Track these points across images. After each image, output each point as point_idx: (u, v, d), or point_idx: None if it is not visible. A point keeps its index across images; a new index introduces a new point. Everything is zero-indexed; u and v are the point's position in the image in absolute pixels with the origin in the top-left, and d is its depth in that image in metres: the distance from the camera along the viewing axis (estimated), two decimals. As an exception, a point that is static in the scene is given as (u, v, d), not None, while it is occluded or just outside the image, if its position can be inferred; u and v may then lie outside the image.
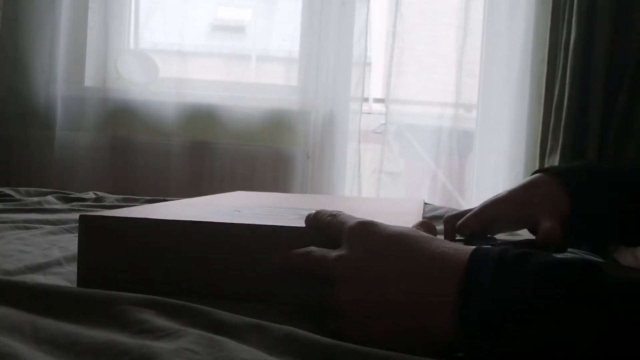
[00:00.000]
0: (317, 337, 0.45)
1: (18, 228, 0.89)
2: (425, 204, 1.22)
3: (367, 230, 0.48)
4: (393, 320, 0.44)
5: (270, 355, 0.42)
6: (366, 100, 2.21)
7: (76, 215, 1.04)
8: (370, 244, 0.47)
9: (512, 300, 0.39)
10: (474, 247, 0.44)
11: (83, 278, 0.58)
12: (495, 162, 2.12)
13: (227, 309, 0.50)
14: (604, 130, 1.89)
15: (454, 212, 0.85)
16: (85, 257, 0.58)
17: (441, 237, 0.60)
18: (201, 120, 2.19)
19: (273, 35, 2.27)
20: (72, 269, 0.67)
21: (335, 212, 0.53)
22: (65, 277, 0.63)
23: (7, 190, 1.28)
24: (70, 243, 0.81)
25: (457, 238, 0.80)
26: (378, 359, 0.42)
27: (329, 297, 0.47)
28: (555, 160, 1.92)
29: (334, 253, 0.48)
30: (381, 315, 0.44)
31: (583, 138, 1.90)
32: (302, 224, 0.56)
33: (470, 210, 0.81)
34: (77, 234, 0.78)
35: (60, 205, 1.17)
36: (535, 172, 0.80)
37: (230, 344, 0.43)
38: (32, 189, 1.34)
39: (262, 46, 2.28)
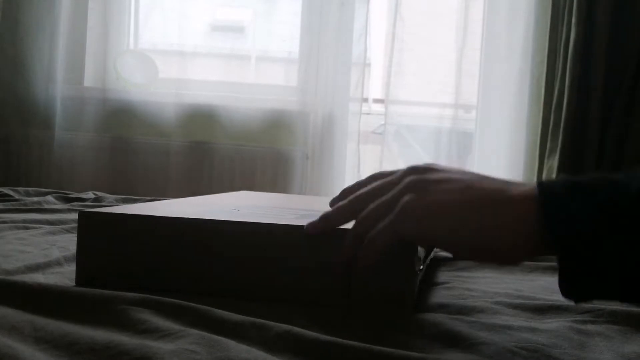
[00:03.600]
0: (317, 335, 0.45)
1: (17, 228, 0.89)
2: None
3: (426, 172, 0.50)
4: (479, 216, 0.45)
5: (270, 354, 0.42)
6: (366, 100, 2.21)
7: (76, 216, 1.04)
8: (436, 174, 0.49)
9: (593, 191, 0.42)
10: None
11: (81, 274, 0.58)
12: (495, 163, 2.12)
13: (227, 307, 0.50)
14: (604, 131, 1.89)
15: None
16: (84, 253, 0.58)
17: None
18: (200, 121, 2.19)
19: (273, 36, 2.28)
20: (71, 268, 0.67)
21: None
22: (64, 277, 0.63)
23: (6, 190, 1.28)
24: (69, 243, 0.81)
25: None
26: (379, 355, 0.42)
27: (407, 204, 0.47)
28: (555, 161, 1.92)
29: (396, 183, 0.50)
30: (465, 211, 0.46)
31: (583, 139, 1.90)
32: (300, 222, 0.56)
33: None
34: (76, 234, 0.79)
35: (59, 205, 1.17)
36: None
37: (230, 343, 0.43)
38: (31, 189, 1.33)
39: (262, 47, 2.28)
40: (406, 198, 0.48)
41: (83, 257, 0.58)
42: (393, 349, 0.43)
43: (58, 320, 0.47)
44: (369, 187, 0.53)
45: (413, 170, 0.51)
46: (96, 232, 0.58)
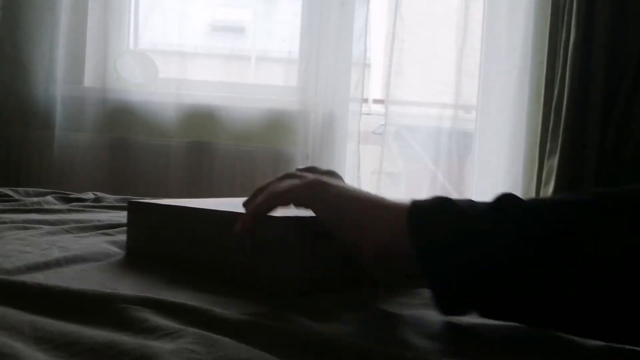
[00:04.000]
0: (317, 332, 0.45)
1: (17, 228, 0.89)
2: None
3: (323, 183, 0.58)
4: (364, 208, 0.55)
5: (270, 353, 0.42)
6: (366, 101, 2.22)
7: (75, 216, 1.04)
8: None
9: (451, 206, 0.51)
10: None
11: (130, 248, 0.76)
12: (495, 163, 2.12)
13: (226, 307, 0.50)
14: (604, 131, 1.89)
15: None
16: (132, 232, 0.77)
17: None
18: (200, 121, 2.19)
19: (273, 36, 2.28)
20: (71, 269, 0.67)
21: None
22: (64, 277, 0.63)
23: (6, 191, 1.28)
24: (70, 243, 0.81)
25: None
26: (378, 354, 0.42)
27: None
28: (555, 161, 1.93)
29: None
30: (353, 200, 0.55)
31: (582, 139, 1.90)
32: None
33: None
34: (76, 234, 0.88)
35: (59, 206, 1.17)
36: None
37: (230, 343, 0.43)
38: (31, 189, 1.33)
39: (262, 47, 2.28)
40: (310, 177, 0.58)
41: (131, 234, 0.77)
42: (391, 349, 0.43)
43: (58, 320, 0.47)
44: (274, 180, 0.62)
45: (315, 175, 0.60)
46: (139, 215, 0.76)
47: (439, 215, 0.51)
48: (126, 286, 0.59)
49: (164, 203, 0.74)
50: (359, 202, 0.55)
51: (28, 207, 1.12)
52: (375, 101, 2.29)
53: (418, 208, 0.52)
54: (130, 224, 0.77)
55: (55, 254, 0.73)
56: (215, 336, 0.43)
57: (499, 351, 0.46)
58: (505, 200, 0.50)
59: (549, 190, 1.94)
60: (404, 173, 2.32)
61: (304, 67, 2.18)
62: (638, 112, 1.86)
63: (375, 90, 2.30)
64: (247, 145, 2.15)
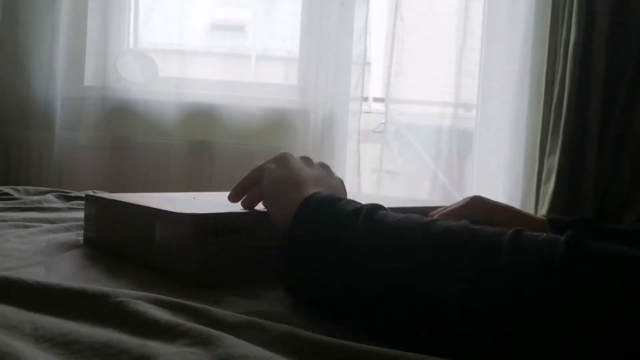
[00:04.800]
0: (315, 335, 0.45)
1: (17, 227, 0.89)
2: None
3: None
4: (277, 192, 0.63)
5: (270, 351, 0.42)
6: (366, 99, 2.21)
7: (75, 214, 1.04)
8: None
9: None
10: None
11: (86, 239, 0.81)
12: (495, 162, 2.12)
13: (226, 306, 0.50)
14: (604, 130, 1.89)
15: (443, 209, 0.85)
16: (87, 225, 0.81)
17: None
18: (200, 120, 2.19)
19: (273, 35, 2.27)
20: (71, 267, 0.67)
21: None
22: (64, 276, 0.63)
23: (6, 189, 1.28)
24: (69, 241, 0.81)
25: None
26: (377, 356, 0.42)
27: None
28: (555, 160, 1.92)
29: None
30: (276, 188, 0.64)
31: (582, 138, 1.90)
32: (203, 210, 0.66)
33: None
34: (76, 232, 0.89)
35: (59, 204, 1.17)
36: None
37: (230, 340, 0.43)
38: (31, 188, 1.33)
39: (262, 46, 2.28)
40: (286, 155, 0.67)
41: (87, 225, 0.81)
42: (390, 349, 0.43)
43: (58, 318, 0.47)
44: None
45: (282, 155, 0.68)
46: (92, 208, 0.81)
47: (315, 213, 0.57)
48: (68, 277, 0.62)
49: (113, 198, 0.81)
50: (285, 183, 0.63)
51: (28, 206, 1.12)
52: (376, 100, 2.29)
53: (307, 202, 0.58)
54: (86, 218, 0.82)
55: (55, 252, 0.73)
56: (214, 333, 0.43)
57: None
58: (373, 211, 0.54)
59: (549, 189, 1.93)
60: (404, 171, 2.32)
61: (304, 66, 2.18)
62: (638, 111, 1.86)
63: (375, 89, 2.30)
64: (247, 144, 2.15)
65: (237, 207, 0.69)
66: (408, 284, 0.48)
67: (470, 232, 0.48)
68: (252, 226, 0.65)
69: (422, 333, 0.47)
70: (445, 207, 0.82)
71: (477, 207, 0.80)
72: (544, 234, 0.45)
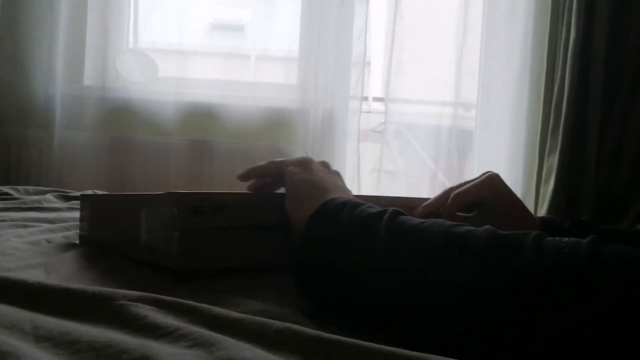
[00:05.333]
0: (317, 332, 0.45)
1: (17, 226, 0.89)
2: None
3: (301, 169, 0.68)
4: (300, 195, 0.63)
5: (270, 351, 0.42)
6: (365, 99, 2.21)
7: (75, 214, 1.04)
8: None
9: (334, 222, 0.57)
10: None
11: (82, 237, 0.82)
12: (495, 161, 2.12)
13: (226, 305, 0.50)
14: (603, 130, 1.89)
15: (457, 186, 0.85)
16: (82, 224, 0.82)
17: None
18: (200, 119, 2.18)
19: (272, 35, 2.27)
20: (70, 267, 0.67)
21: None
22: (64, 276, 0.63)
23: (6, 189, 1.28)
24: (69, 241, 0.81)
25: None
26: (378, 353, 0.42)
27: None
28: (554, 159, 1.92)
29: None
30: (298, 189, 0.64)
31: (582, 137, 1.90)
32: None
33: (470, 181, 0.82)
34: (75, 232, 0.89)
35: (59, 204, 1.18)
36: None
37: (230, 342, 0.42)
38: (31, 188, 1.34)
39: (262, 45, 2.28)
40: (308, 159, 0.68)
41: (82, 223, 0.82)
42: (394, 348, 0.43)
43: (58, 318, 0.47)
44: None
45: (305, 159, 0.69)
46: (85, 207, 0.82)
47: (333, 216, 0.56)
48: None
49: (104, 195, 0.86)
50: (310, 186, 0.63)
51: (28, 206, 1.12)
52: (375, 99, 2.29)
53: (325, 206, 0.58)
54: (81, 217, 0.83)
55: (55, 252, 0.73)
56: (214, 335, 0.43)
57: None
58: (399, 220, 0.53)
59: (548, 188, 1.93)
60: (403, 171, 2.32)
61: (304, 66, 2.17)
62: (638, 110, 1.86)
63: (375, 88, 2.30)
64: (247, 143, 2.15)
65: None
66: (434, 293, 0.47)
67: (493, 236, 0.48)
68: (236, 205, 0.63)
69: (447, 340, 0.47)
70: (461, 185, 0.81)
71: (488, 188, 0.79)
72: (568, 239, 0.45)
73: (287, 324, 0.46)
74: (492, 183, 0.79)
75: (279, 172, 0.68)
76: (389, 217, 0.53)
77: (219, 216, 0.62)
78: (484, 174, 0.81)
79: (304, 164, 0.67)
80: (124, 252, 0.71)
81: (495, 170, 0.81)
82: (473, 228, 0.49)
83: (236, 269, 0.63)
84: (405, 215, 0.55)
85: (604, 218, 1.85)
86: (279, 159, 0.70)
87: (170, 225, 0.61)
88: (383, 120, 2.19)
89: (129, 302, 0.49)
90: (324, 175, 0.66)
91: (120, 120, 2.19)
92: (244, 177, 0.72)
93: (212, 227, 0.62)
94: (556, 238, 0.45)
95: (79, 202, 1.22)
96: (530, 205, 2.02)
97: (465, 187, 0.79)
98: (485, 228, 0.49)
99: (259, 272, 0.63)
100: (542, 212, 1.92)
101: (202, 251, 0.62)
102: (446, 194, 0.81)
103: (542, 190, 1.98)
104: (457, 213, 0.79)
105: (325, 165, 0.70)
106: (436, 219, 0.52)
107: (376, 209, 0.56)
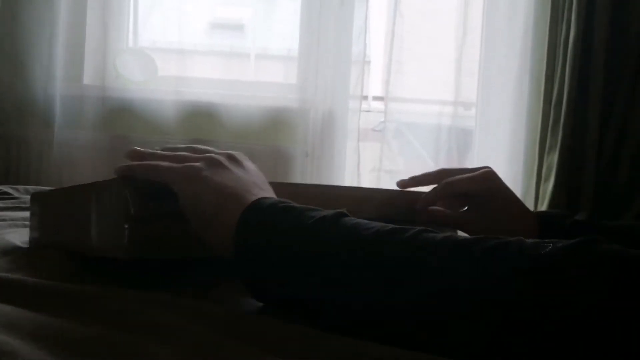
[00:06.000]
0: (319, 332, 0.45)
1: (17, 226, 0.89)
2: None
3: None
4: (205, 214, 0.55)
5: (271, 350, 0.42)
6: (365, 98, 2.21)
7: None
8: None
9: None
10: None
11: (32, 239, 0.75)
12: (495, 160, 2.12)
13: (225, 304, 0.50)
14: (604, 128, 1.89)
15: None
16: (32, 223, 0.76)
17: None
18: (200, 119, 2.18)
19: (272, 34, 2.27)
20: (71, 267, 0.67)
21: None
22: (64, 275, 0.63)
23: (5, 188, 1.28)
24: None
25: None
26: (377, 353, 0.42)
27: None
28: (554, 157, 1.92)
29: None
30: (200, 208, 0.55)
31: (582, 135, 1.90)
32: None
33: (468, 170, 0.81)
34: None
35: (59, 204, 1.17)
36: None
37: (229, 343, 0.42)
38: (30, 187, 1.33)
39: (261, 44, 2.28)
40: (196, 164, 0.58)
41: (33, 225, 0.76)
42: (392, 349, 0.42)
43: (57, 318, 0.47)
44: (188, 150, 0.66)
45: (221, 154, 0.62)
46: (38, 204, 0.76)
47: (266, 217, 0.52)
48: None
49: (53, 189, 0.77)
50: (215, 196, 0.55)
51: (27, 205, 1.12)
52: (375, 98, 2.29)
53: (253, 207, 0.53)
54: (32, 218, 0.76)
55: (54, 251, 0.73)
56: (215, 335, 0.43)
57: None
58: (338, 216, 0.50)
59: (548, 187, 1.93)
60: (403, 170, 2.32)
61: (304, 65, 2.17)
62: (638, 108, 1.86)
63: (374, 87, 2.30)
64: (247, 142, 2.15)
65: None
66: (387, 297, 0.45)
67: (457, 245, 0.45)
68: None
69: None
70: (459, 173, 0.80)
71: (481, 184, 0.78)
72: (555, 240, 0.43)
73: (290, 325, 0.46)
74: (486, 180, 0.78)
75: (156, 179, 0.58)
76: (334, 220, 0.50)
77: (174, 202, 0.56)
78: (481, 168, 0.81)
79: (186, 170, 0.57)
80: (77, 249, 0.66)
81: (495, 169, 0.81)
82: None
83: (193, 259, 0.60)
84: (349, 216, 0.51)
85: (604, 216, 1.85)
86: (151, 164, 0.61)
87: (121, 211, 0.56)
88: (383, 120, 2.19)
89: (129, 304, 0.49)
90: (227, 177, 0.58)
91: (120, 119, 2.19)
92: (131, 154, 0.64)
93: (166, 213, 0.57)
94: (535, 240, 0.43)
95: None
96: (530, 203, 2.02)
97: (457, 177, 0.79)
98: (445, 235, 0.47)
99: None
100: (542, 210, 1.93)
101: (156, 240, 0.57)
102: (439, 174, 0.81)
103: (542, 188, 1.98)
104: (450, 211, 0.79)
105: (231, 158, 0.63)
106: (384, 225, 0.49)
107: (316, 212, 0.52)
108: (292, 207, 0.53)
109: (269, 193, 0.59)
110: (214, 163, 0.59)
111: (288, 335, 0.45)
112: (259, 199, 0.55)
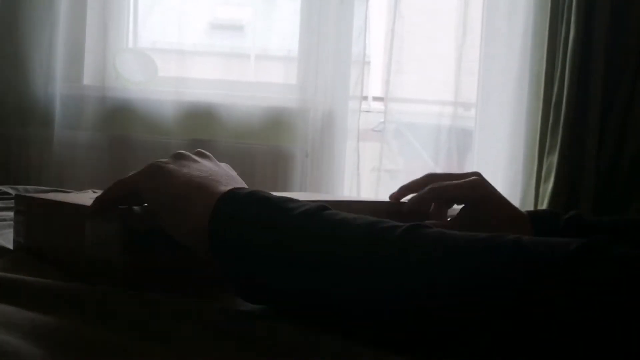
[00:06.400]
0: (319, 335, 0.45)
1: (17, 226, 0.89)
2: None
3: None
4: (173, 205, 0.54)
5: (271, 350, 0.42)
6: (365, 98, 2.21)
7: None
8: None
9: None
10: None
11: (15, 242, 0.72)
12: (494, 161, 2.12)
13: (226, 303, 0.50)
14: (603, 129, 1.89)
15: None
16: (16, 227, 0.73)
17: None
18: (200, 119, 2.18)
19: (272, 34, 2.27)
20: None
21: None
22: (64, 274, 0.63)
23: (5, 189, 1.28)
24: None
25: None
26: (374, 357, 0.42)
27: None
28: (554, 158, 1.92)
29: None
30: (167, 201, 0.54)
31: (582, 135, 1.90)
32: None
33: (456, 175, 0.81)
34: None
35: (59, 204, 1.17)
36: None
37: (229, 344, 0.43)
38: (30, 187, 1.33)
39: (261, 45, 2.28)
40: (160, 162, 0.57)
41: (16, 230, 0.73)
42: (389, 354, 0.42)
43: (57, 317, 0.47)
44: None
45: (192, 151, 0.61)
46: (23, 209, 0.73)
47: (241, 206, 0.51)
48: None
49: (45, 197, 0.75)
50: (182, 187, 0.54)
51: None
52: (375, 98, 2.29)
53: (228, 197, 0.52)
54: (16, 220, 0.74)
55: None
56: (214, 335, 0.43)
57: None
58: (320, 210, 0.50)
59: (548, 187, 1.94)
60: (403, 170, 2.32)
61: (304, 65, 2.17)
62: (638, 108, 1.86)
63: (374, 87, 2.30)
64: (247, 143, 2.15)
65: None
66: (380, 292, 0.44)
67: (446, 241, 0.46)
68: None
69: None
70: (446, 178, 0.80)
71: (469, 192, 0.78)
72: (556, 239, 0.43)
73: (291, 328, 0.46)
74: (474, 188, 0.78)
75: (125, 190, 0.59)
76: (317, 212, 0.49)
77: (168, 239, 0.56)
78: (469, 174, 0.80)
79: (145, 169, 0.57)
80: (65, 262, 0.64)
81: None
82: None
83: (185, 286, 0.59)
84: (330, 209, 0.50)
85: (603, 216, 1.85)
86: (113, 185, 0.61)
87: (116, 241, 0.57)
88: (383, 120, 2.19)
89: (129, 304, 0.49)
90: (190, 170, 0.57)
91: (120, 119, 2.19)
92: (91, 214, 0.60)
93: (161, 242, 0.57)
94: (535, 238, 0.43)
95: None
96: (530, 204, 2.02)
97: (444, 184, 0.79)
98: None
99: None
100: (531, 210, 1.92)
101: (150, 272, 0.58)
102: (427, 180, 0.81)
103: (541, 189, 1.98)
104: (439, 222, 0.79)
105: (200, 153, 0.62)
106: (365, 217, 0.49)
107: (295, 202, 0.51)
108: (269, 198, 0.52)
109: (242, 185, 0.58)
110: (181, 156, 0.59)
111: (283, 336, 0.45)
112: (233, 189, 0.53)
